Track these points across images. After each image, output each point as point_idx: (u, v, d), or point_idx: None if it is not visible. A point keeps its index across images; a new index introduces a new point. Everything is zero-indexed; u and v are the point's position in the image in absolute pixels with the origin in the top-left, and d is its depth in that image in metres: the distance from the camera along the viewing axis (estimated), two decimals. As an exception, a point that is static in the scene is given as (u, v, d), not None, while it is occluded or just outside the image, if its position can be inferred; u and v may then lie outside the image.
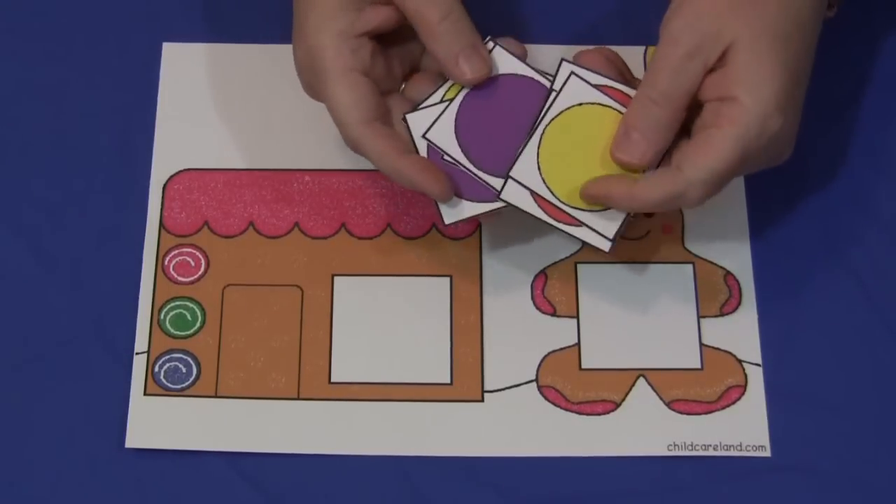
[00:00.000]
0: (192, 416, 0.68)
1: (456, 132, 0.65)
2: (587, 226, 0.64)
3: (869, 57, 0.76)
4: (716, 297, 0.70)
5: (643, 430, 0.68)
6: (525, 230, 0.72)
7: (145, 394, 0.69)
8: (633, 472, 0.67)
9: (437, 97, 0.66)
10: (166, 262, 0.72)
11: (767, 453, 0.67)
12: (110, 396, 0.69)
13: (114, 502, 0.67)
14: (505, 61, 0.66)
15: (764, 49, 0.62)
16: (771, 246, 0.72)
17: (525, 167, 0.64)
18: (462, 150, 0.65)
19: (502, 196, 0.64)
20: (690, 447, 0.68)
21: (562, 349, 0.70)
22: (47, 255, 0.72)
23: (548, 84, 0.65)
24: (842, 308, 0.70)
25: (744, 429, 0.68)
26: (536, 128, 0.65)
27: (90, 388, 0.69)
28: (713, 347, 0.70)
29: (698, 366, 0.69)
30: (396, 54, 0.68)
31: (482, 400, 0.69)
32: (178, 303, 0.71)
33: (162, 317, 0.70)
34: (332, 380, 0.69)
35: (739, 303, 0.70)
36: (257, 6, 0.78)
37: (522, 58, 0.66)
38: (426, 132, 0.65)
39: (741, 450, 0.68)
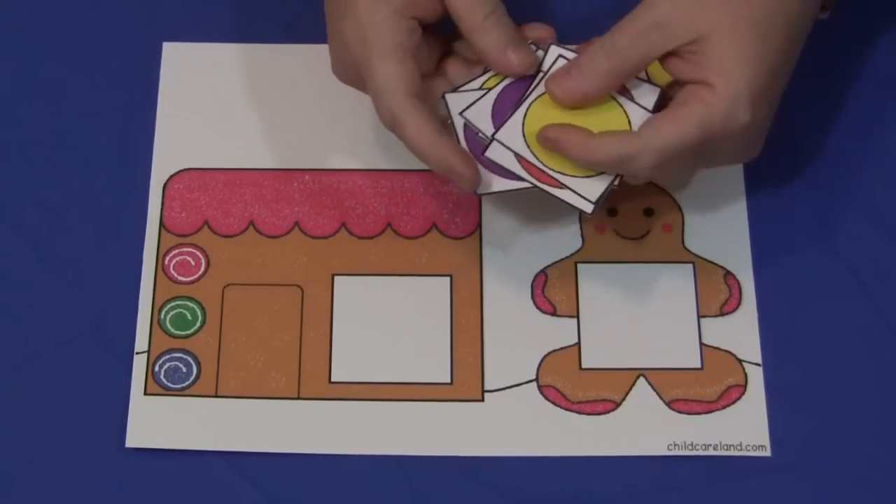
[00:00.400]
0: (193, 415, 0.68)
1: (492, 116, 0.66)
2: (571, 189, 0.64)
3: (868, 57, 0.76)
4: (716, 296, 0.71)
5: (643, 429, 0.68)
6: (525, 230, 0.72)
7: (145, 393, 0.69)
8: (634, 472, 0.67)
9: (475, 84, 0.67)
10: (166, 262, 0.72)
11: (767, 453, 0.68)
12: (110, 396, 0.69)
13: (114, 502, 0.67)
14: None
15: (744, 40, 0.62)
16: (771, 246, 0.72)
17: (510, 132, 0.65)
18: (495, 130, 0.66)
19: (486, 154, 0.65)
20: (690, 447, 0.68)
21: (562, 349, 0.70)
22: (47, 255, 0.72)
23: None
24: (842, 308, 0.70)
25: (744, 428, 0.68)
26: (524, 101, 0.66)
27: (90, 387, 0.69)
28: (713, 347, 0.70)
29: (698, 365, 0.69)
30: (432, 42, 0.69)
31: (482, 399, 0.69)
32: (178, 302, 0.71)
33: (162, 316, 0.70)
34: (333, 379, 0.69)
35: (739, 302, 0.70)
36: (258, 6, 0.78)
37: (551, 39, 0.68)
38: (464, 110, 0.66)
39: (741, 449, 0.68)
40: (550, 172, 0.65)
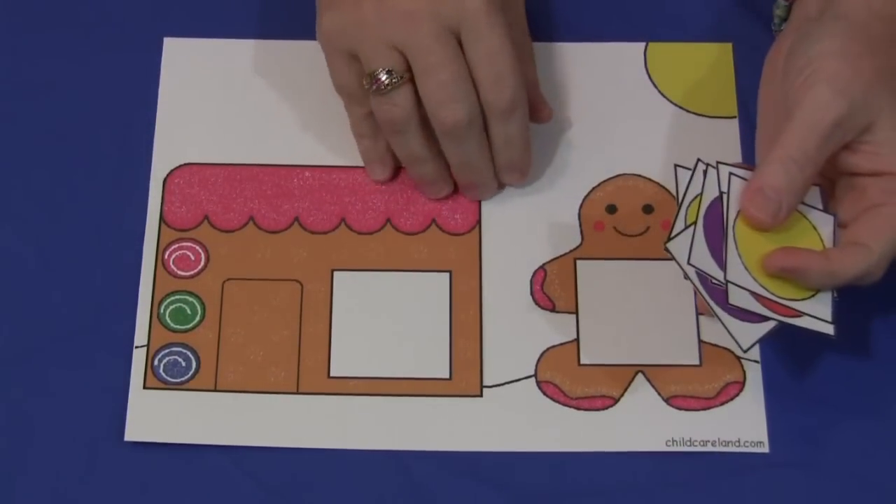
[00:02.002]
0: (192, 409, 0.69)
1: (710, 253, 0.64)
2: (808, 314, 0.63)
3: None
4: (715, 293, 0.71)
5: (641, 425, 0.68)
6: (525, 226, 0.72)
7: (145, 387, 0.69)
8: (632, 468, 0.67)
9: (680, 224, 0.65)
10: (166, 256, 0.72)
11: (766, 449, 0.68)
12: (110, 389, 0.69)
13: (113, 495, 0.67)
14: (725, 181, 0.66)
15: None
16: (770, 243, 0.72)
17: (736, 270, 0.63)
18: (720, 269, 0.64)
19: (731, 302, 0.63)
20: (689, 443, 0.68)
21: (561, 344, 0.70)
22: (47, 249, 0.72)
23: None
24: (840, 304, 0.70)
25: (742, 425, 0.68)
26: (727, 229, 0.64)
27: (90, 381, 0.69)
28: (712, 344, 0.70)
29: (697, 362, 0.69)
30: None
31: (481, 395, 0.69)
32: (177, 297, 0.71)
33: (162, 310, 0.71)
34: (332, 374, 0.69)
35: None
36: (259, 2, 0.78)
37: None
38: (690, 259, 0.64)
39: (739, 446, 0.68)
40: (783, 302, 0.63)
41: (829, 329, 0.63)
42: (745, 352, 0.63)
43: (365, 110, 0.70)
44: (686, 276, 0.64)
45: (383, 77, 0.66)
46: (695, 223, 0.64)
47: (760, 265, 0.63)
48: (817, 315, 0.63)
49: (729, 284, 0.63)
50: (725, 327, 0.63)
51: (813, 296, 0.64)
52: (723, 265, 0.63)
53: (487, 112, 0.68)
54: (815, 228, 0.65)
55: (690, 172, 0.66)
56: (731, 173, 0.65)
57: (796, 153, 0.63)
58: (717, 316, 0.63)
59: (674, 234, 0.64)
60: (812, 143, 0.62)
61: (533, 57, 0.73)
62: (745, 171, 0.65)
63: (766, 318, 0.63)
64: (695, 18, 0.77)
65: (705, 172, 0.65)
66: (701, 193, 0.65)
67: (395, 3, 0.66)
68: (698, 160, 0.66)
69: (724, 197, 0.65)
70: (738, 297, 0.63)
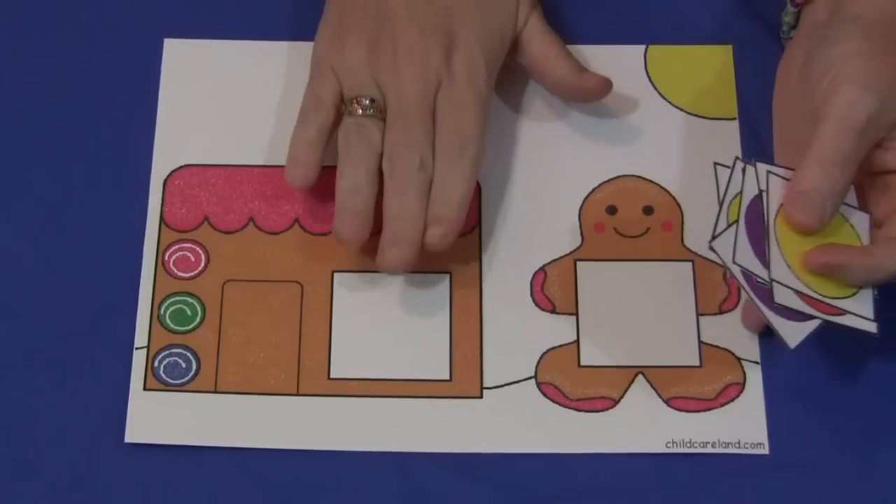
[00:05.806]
0: (192, 411, 0.69)
1: (753, 252, 0.64)
2: (851, 312, 0.63)
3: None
4: (715, 294, 0.71)
5: (641, 427, 0.68)
6: (525, 227, 0.72)
7: (145, 389, 0.69)
8: (632, 469, 0.67)
9: (723, 223, 0.65)
10: (166, 258, 0.72)
11: (766, 451, 0.68)
12: (110, 391, 0.69)
13: (113, 497, 0.67)
14: (763, 179, 0.66)
15: None
16: (770, 244, 0.72)
17: (780, 269, 0.63)
18: (764, 268, 0.64)
19: (777, 301, 0.63)
20: (689, 444, 0.68)
21: (561, 346, 0.70)
22: (48, 250, 0.72)
23: None
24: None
25: (742, 426, 0.68)
26: (768, 228, 0.64)
27: (90, 382, 0.69)
28: (712, 345, 0.70)
29: (697, 363, 0.69)
30: None
31: (481, 396, 0.69)
32: (177, 298, 0.71)
33: (162, 312, 0.71)
34: (332, 376, 0.69)
35: (738, 300, 0.70)
36: (259, 3, 0.78)
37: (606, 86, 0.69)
38: (735, 258, 0.64)
39: (739, 447, 0.68)
40: (826, 301, 0.63)
41: (871, 327, 0.63)
42: (792, 350, 0.63)
43: (326, 122, 0.70)
44: (731, 275, 0.64)
45: (365, 102, 0.69)
46: (736, 221, 0.64)
47: (801, 263, 0.64)
48: (860, 313, 0.63)
49: (774, 283, 0.63)
50: (772, 325, 0.63)
51: (854, 294, 0.64)
52: (766, 263, 0.63)
53: (437, 154, 0.69)
54: (851, 226, 0.65)
55: (729, 170, 0.66)
56: (769, 171, 0.65)
57: (834, 154, 0.63)
58: (763, 314, 0.63)
59: (717, 232, 0.64)
60: (848, 142, 0.62)
61: (564, 49, 0.73)
62: (783, 170, 0.65)
63: (810, 317, 0.63)
64: (694, 21, 0.77)
65: (744, 171, 0.65)
66: (741, 191, 0.65)
67: (394, 52, 0.69)
68: (736, 158, 0.66)
69: (764, 195, 0.65)
70: (783, 296, 0.63)
